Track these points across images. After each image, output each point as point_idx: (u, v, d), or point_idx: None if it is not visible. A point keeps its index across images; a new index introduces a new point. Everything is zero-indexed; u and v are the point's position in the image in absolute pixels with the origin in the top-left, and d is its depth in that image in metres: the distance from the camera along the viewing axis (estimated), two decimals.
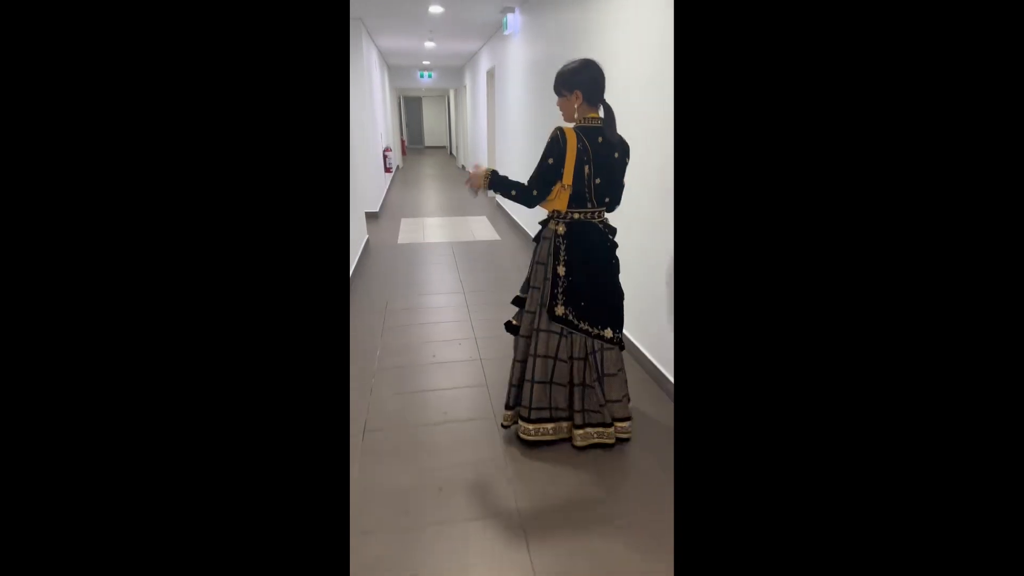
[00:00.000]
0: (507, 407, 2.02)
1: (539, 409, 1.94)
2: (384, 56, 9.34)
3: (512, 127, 5.80)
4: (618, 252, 1.93)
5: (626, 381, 1.97)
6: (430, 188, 9.28)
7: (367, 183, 6.23)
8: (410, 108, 18.23)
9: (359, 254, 4.42)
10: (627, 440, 1.99)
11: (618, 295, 1.94)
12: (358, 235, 4.55)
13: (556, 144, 1.75)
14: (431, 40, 7.23)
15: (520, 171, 4.15)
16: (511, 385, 2.00)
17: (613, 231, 1.91)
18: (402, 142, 14.35)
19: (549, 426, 1.96)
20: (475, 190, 1.88)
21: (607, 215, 1.91)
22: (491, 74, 7.29)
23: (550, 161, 1.76)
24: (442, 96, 17.67)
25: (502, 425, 2.08)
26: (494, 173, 1.84)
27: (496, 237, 5.47)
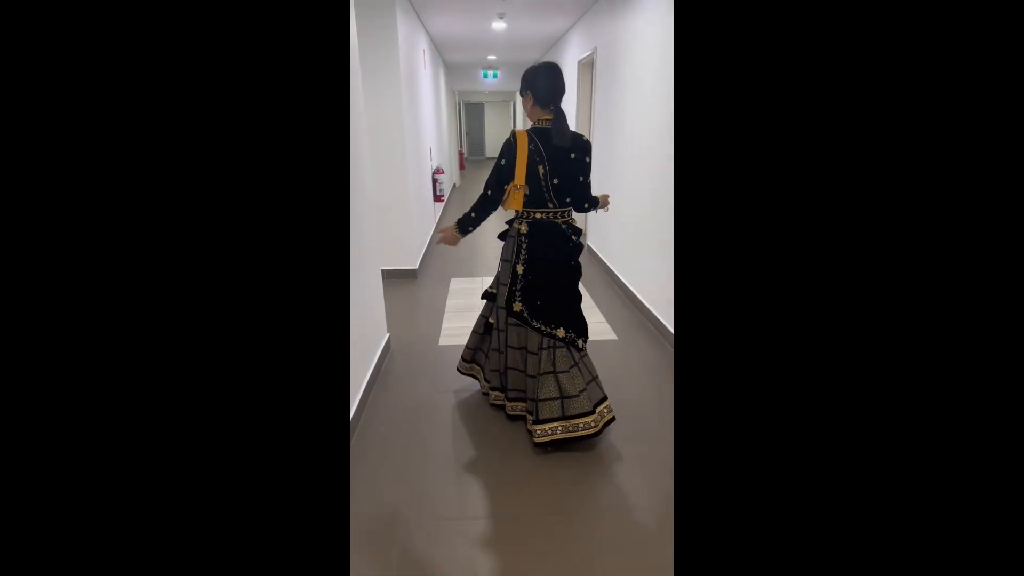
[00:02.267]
0: (494, 388, 2.18)
1: (515, 391, 2.10)
2: (439, 49, 7.33)
3: (639, 137, 3.53)
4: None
5: (580, 378, 1.96)
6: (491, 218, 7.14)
7: (402, 229, 4.15)
8: (471, 115, 16.34)
9: (365, 382, 2.30)
10: (548, 443, 1.94)
11: (575, 298, 1.99)
12: (369, 338, 2.45)
13: (508, 146, 1.83)
14: (501, 18, 5.10)
15: (651, 205, 3.24)
16: (497, 371, 2.14)
17: (578, 232, 1.94)
18: (460, 154, 12.39)
19: (520, 404, 2.11)
20: (452, 243, 2.03)
21: (576, 215, 1.96)
22: (587, 64, 5.06)
23: (502, 163, 1.84)
24: (507, 101, 15.66)
25: (492, 404, 2.23)
26: (457, 221, 1.99)
27: (608, 333, 3.21)
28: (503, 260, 1.99)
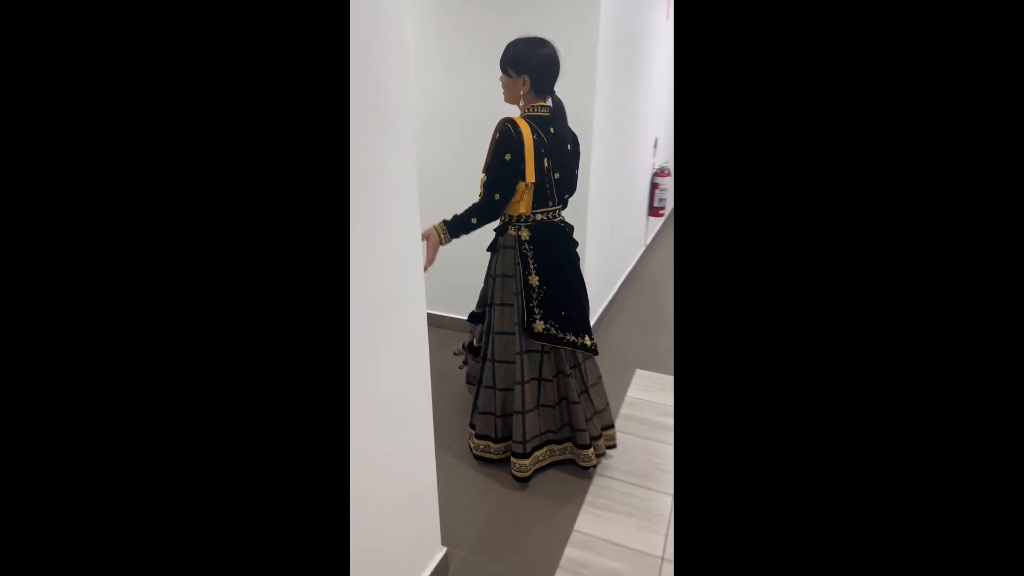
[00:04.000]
0: (492, 439, 1.80)
1: (534, 439, 1.74)
2: None
3: None
4: None
5: (603, 388, 1.87)
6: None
7: None
8: None
9: None
10: (613, 447, 1.88)
11: (586, 297, 1.77)
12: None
13: (510, 138, 1.50)
14: None
15: None
16: (494, 415, 1.77)
17: (572, 228, 1.73)
18: None
19: (540, 452, 1.78)
20: (431, 262, 1.58)
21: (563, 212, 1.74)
22: None
23: (507, 157, 1.50)
24: None
25: (480, 458, 1.83)
26: (445, 223, 1.58)
27: None
28: (500, 276, 1.65)
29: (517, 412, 1.69)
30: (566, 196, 1.69)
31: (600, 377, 1.82)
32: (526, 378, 1.68)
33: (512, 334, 1.67)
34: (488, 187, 1.53)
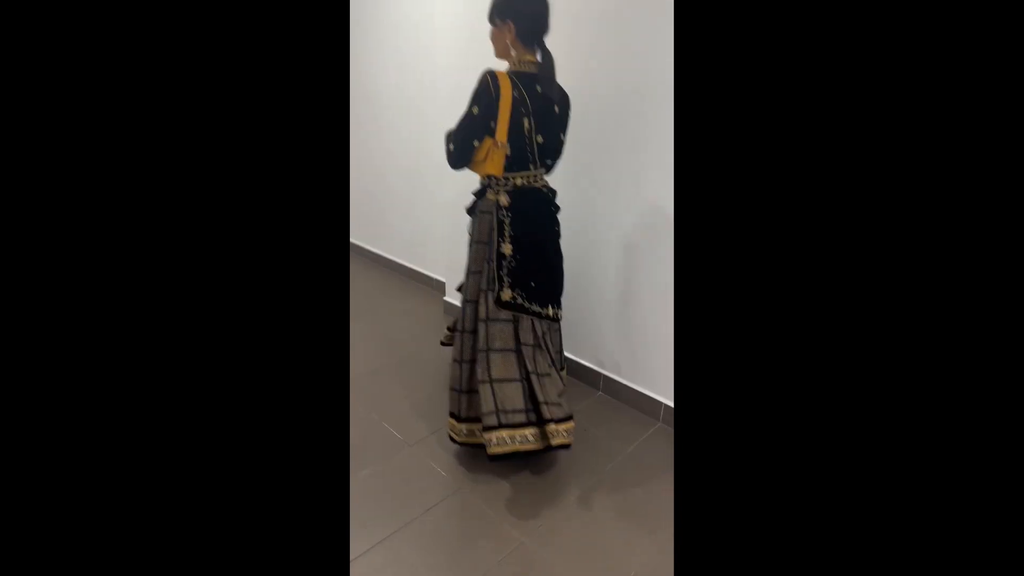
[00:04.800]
0: (457, 417, 1.69)
1: (514, 412, 1.58)
2: None
3: None
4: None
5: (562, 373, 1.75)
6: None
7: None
8: None
9: None
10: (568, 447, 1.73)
11: (561, 267, 1.69)
12: None
13: (485, 91, 1.43)
14: None
15: None
16: (458, 392, 1.67)
17: (554, 193, 1.66)
18: None
19: (528, 432, 1.60)
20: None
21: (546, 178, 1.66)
22: None
23: (475, 111, 1.45)
24: None
25: (452, 439, 1.72)
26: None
27: None
28: (478, 242, 1.59)
29: (483, 382, 1.57)
30: (548, 161, 1.62)
31: (561, 352, 1.76)
32: (495, 346, 1.59)
33: (476, 302, 1.61)
34: (447, 136, 1.52)
